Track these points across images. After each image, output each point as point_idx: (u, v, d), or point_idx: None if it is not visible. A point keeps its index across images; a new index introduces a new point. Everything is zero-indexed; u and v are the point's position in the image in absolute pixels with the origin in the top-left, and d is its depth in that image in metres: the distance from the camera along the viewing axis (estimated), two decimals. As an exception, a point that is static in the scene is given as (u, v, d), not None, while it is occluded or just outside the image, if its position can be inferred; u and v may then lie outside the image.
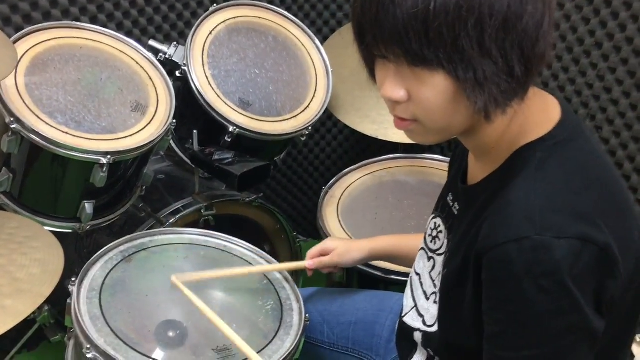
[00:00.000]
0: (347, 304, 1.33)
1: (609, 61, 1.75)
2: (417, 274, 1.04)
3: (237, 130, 1.54)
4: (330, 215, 1.64)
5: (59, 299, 1.18)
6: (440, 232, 0.99)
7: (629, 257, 0.80)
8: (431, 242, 1.01)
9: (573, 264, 0.74)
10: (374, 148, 2.30)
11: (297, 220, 2.49)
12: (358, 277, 1.52)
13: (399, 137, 1.77)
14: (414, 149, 1.97)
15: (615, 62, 1.75)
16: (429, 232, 1.03)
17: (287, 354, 1.13)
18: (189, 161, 1.64)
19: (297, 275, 1.83)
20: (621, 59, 1.74)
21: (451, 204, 0.96)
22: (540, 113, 0.84)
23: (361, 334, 1.28)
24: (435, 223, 1.01)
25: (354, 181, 1.75)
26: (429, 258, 1.01)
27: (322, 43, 1.82)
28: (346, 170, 1.79)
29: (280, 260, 1.81)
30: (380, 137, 1.80)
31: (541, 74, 1.86)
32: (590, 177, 0.81)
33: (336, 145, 2.47)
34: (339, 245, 1.30)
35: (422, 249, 1.04)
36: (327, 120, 2.38)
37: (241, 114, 1.58)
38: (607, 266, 0.76)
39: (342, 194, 1.71)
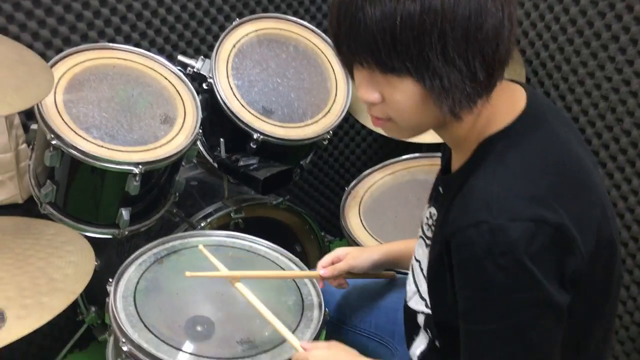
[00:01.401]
0: (369, 288, 1.38)
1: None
2: (417, 261, 1.10)
3: (261, 137, 1.62)
4: (353, 215, 1.70)
5: (104, 301, 1.27)
6: (435, 220, 1.04)
7: (589, 233, 0.85)
8: (428, 230, 1.07)
9: (528, 243, 0.79)
10: (400, 149, 2.34)
11: (326, 220, 2.56)
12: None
13: (420, 137, 1.81)
14: (438, 148, 2.01)
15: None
16: (425, 220, 1.09)
17: (306, 345, 1.21)
18: (217, 167, 1.73)
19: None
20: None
21: (441, 192, 1.03)
22: (505, 106, 0.90)
23: (383, 319, 1.32)
24: (430, 212, 1.08)
25: (375, 181, 1.81)
26: (427, 245, 1.07)
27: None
28: (368, 171, 1.85)
29: (310, 260, 1.88)
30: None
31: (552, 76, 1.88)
32: (547, 163, 0.87)
33: (365, 147, 2.53)
34: (351, 250, 1.33)
35: (421, 236, 1.10)
36: (356, 123, 2.45)
37: (265, 121, 1.66)
38: (563, 244, 0.82)
39: (364, 194, 1.77)
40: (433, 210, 1.06)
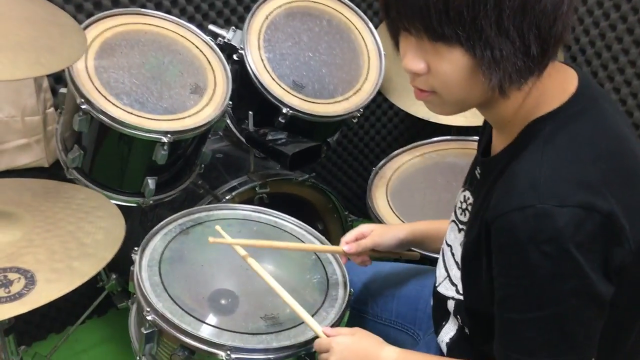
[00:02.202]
0: (391, 277, 1.36)
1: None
2: (449, 245, 1.07)
3: (291, 111, 1.60)
4: (379, 196, 1.68)
5: (125, 269, 1.27)
6: (470, 204, 1.02)
7: (638, 224, 0.81)
8: (461, 214, 1.04)
9: (576, 231, 0.76)
10: (428, 130, 2.30)
11: (349, 200, 2.54)
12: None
13: (450, 119, 1.78)
14: (467, 131, 1.98)
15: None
16: (458, 204, 1.06)
17: (330, 324, 1.18)
18: (244, 141, 1.71)
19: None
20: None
21: (478, 177, 1.00)
22: (556, 87, 0.86)
23: (405, 307, 1.31)
24: (464, 196, 1.04)
25: (404, 162, 1.79)
26: (460, 230, 1.04)
27: (378, 26, 1.84)
28: (396, 152, 1.82)
29: (332, 239, 1.87)
30: (431, 120, 1.82)
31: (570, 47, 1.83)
32: (599, 149, 0.83)
33: (391, 127, 2.50)
34: (376, 227, 1.29)
35: (453, 221, 1.08)
36: (383, 103, 2.41)
37: (295, 96, 1.64)
38: (612, 233, 0.78)
39: (391, 175, 1.74)
40: (468, 194, 1.03)
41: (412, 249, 1.35)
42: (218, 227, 1.29)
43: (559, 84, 0.87)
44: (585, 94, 0.87)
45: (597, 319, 0.83)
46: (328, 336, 1.07)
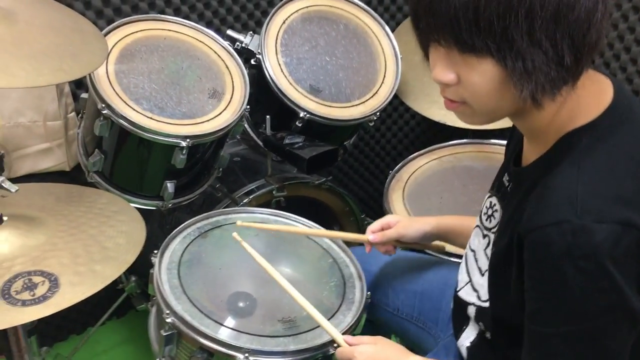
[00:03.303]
0: (414, 272, 1.34)
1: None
2: (472, 251, 1.07)
3: (307, 115, 1.61)
4: (396, 199, 1.68)
5: (145, 271, 1.29)
6: (496, 210, 1.01)
7: None
8: (486, 220, 1.04)
9: (613, 247, 0.75)
10: (445, 134, 2.30)
11: (366, 203, 2.55)
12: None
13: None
14: (484, 135, 1.97)
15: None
16: (484, 210, 1.06)
17: (348, 327, 1.19)
18: (262, 145, 1.72)
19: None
20: None
21: (506, 184, 0.99)
22: (591, 98, 0.85)
23: (428, 305, 1.29)
24: (490, 202, 1.04)
25: (420, 165, 1.78)
26: (484, 236, 1.03)
27: (394, 29, 1.84)
28: (413, 155, 1.82)
29: (348, 242, 1.87)
30: (448, 123, 1.82)
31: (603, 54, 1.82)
32: (636, 163, 0.82)
33: (408, 131, 2.50)
34: (402, 219, 1.29)
35: (477, 226, 1.07)
36: (400, 106, 2.42)
37: (311, 100, 1.65)
38: None
39: (408, 178, 1.74)
40: (494, 200, 1.03)
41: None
42: (235, 234, 1.27)
43: (594, 94, 0.86)
44: (621, 105, 0.85)
45: (629, 335, 0.82)
46: (350, 345, 1.06)
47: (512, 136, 1.04)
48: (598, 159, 0.81)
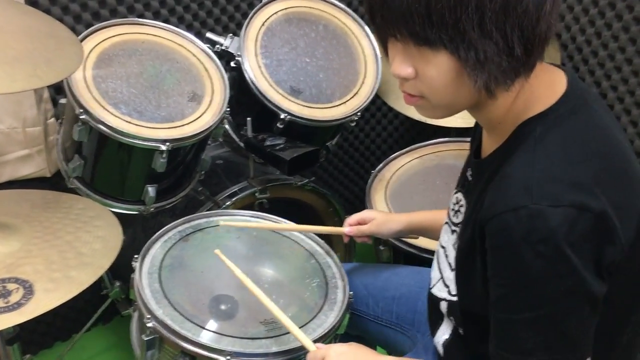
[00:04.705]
0: (391, 279, 1.38)
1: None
2: (442, 247, 1.08)
3: (288, 117, 1.60)
4: (379, 199, 1.68)
5: (129, 277, 1.28)
6: (462, 206, 1.02)
7: (630, 223, 0.82)
8: (454, 216, 1.05)
9: (569, 230, 0.77)
10: (428, 132, 2.32)
11: (352, 203, 2.55)
12: (404, 258, 1.56)
13: (449, 121, 1.78)
14: (467, 133, 1.98)
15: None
16: (451, 206, 1.07)
17: (330, 327, 1.20)
18: (244, 147, 1.72)
19: (350, 255, 1.89)
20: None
21: (469, 178, 1.00)
22: (545, 88, 0.87)
23: (404, 309, 1.32)
24: (457, 198, 1.05)
25: (402, 165, 1.79)
26: (452, 231, 1.05)
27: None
28: (395, 154, 1.83)
29: (333, 242, 1.87)
30: (428, 122, 1.82)
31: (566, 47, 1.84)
32: (589, 149, 0.84)
33: (391, 130, 2.51)
34: (378, 216, 1.37)
35: (446, 223, 1.08)
36: (383, 106, 2.42)
37: (292, 101, 1.64)
38: (604, 232, 0.79)
39: (390, 177, 1.75)
40: (460, 195, 1.04)
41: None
42: (218, 251, 1.24)
43: (548, 85, 0.88)
44: (574, 95, 0.88)
45: (591, 317, 0.83)
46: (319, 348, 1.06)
47: (475, 132, 1.05)
48: (552, 145, 0.83)
